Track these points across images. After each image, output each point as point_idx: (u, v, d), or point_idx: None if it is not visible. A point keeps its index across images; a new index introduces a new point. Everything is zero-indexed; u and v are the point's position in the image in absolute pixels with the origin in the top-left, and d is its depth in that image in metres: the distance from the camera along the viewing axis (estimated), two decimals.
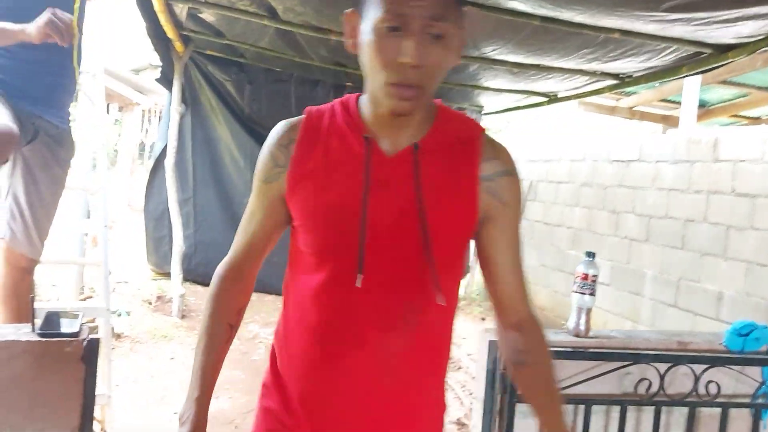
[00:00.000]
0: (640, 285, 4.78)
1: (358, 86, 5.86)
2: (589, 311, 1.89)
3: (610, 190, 5.18)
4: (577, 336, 1.89)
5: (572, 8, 3.06)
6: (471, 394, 4.01)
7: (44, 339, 1.40)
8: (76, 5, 2.09)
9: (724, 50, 3.64)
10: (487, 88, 5.42)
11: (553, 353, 1.16)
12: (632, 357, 1.82)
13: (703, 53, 3.75)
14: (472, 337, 5.49)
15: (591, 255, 1.83)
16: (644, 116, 8.17)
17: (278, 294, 4.87)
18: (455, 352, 4.93)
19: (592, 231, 5.39)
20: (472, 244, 1.14)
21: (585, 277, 1.82)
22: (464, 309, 6.60)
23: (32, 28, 1.93)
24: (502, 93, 5.62)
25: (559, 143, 6.12)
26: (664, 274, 4.56)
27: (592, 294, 1.85)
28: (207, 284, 5.05)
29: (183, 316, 4.98)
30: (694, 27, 3.19)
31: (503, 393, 1.77)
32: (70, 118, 2.31)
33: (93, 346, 1.45)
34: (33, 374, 1.40)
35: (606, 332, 1.98)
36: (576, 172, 5.65)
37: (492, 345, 1.80)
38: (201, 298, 5.68)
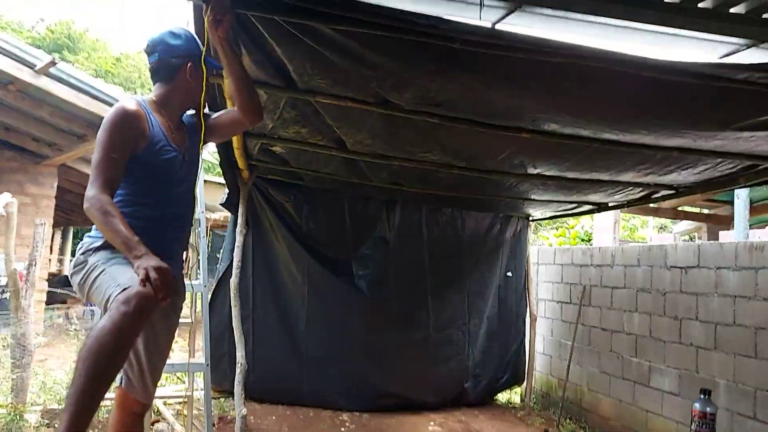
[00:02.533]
0: (714, 395, 4.65)
1: (410, 202, 6.02)
2: None
3: (669, 296, 5.15)
4: None
5: (636, 132, 3.22)
6: None
7: None
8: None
9: None
10: (537, 200, 5.56)
11: None
12: None
13: (760, 165, 3.85)
14: None
15: (706, 393, 1.84)
16: (687, 216, 8.21)
17: (335, 409, 4.88)
18: None
19: (654, 337, 5.31)
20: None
21: (703, 415, 1.82)
22: (524, 419, 6.42)
23: (138, 265, 1.97)
24: (551, 203, 5.75)
25: (610, 247, 6.15)
26: (738, 383, 4.44)
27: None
28: (265, 402, 5.14)
29: None
30: (754, 143, 3.31)
31: None
32: (184, 266, 2.48)
33: None
34: None
35: None
36: (631, 276, 5.65)
37: None
38: (260, 416, 5.64)
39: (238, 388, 5.07)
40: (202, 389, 4.27)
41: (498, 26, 2.35)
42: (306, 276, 5.92)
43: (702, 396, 1.82)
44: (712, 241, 5.80)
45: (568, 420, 6.37)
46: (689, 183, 4.39)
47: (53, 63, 6.34)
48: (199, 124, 2.45)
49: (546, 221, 7.06)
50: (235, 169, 4.75)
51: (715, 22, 2.33)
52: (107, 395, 1.94)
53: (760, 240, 4.47)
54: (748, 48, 2.45)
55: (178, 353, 6.44)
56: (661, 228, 14.91)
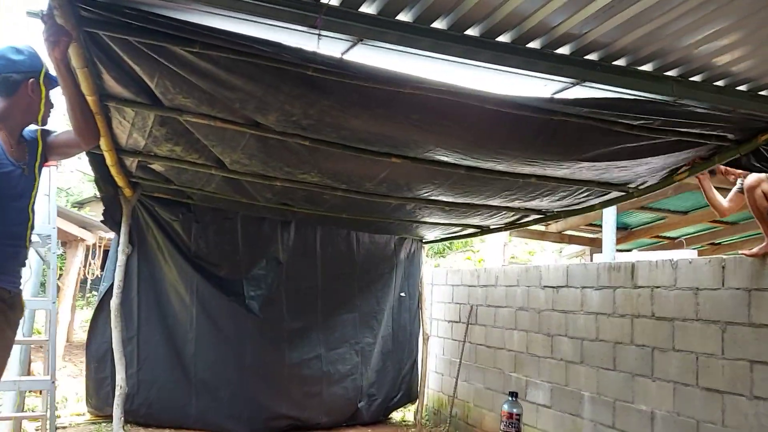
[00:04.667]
0: (580, 406, 4.95)
1: (304, 222, 6.10)
2: None
3: (544, 314, 5.46)
4: None
5: (489, 160, 3.46)
6: None
7: None
8: (36, 184, 2.32)
9: (628, 188, 4.11)
10: (425, 222, 5.79)
11: None
12: None
13: (610, 192, 4.21)
14: None
15: (514, 395, 2.02)
16: (572, 240, 8.73)
17: None
18: None
19: (531, 353, 5.60)
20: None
21: (510, 416, 1.99)
22: None
23: None
24: (438, 226, 5.99)
25: (494, 269, 6.44)
26: (600, 395, 4.76)
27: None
28: (149, 425, 5.06)
29: None
30: (596, 172, 3.63)
31: None
32: (21, 281, 2.44)
33: None
34: None
35: None
36: (512, 296, 5.95)
37: None
38: None
39: (117, 412, 4.93)
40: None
41: (346, 56, 2.50)
42: (195, 296, 5.85)
43: (510, 398, 2.00)
44: (578, 263, 6.20)
45: None
46: (555, 209, 4.72)
47: None
48: (41, 140, 2.45)
49: (452, 246, 7.33)
50: (115, 186, 4.68)
51: (544, 62, 2.57)
52: None
53: (617, 261, 4.84)
54: (574, 86, 2.72)
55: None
56: (559, 252, 15.67)
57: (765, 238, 3.65)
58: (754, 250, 3.60)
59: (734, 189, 4.07)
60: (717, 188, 4.18)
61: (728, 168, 3.88)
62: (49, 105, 2.42)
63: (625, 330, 4.56)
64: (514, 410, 1.98)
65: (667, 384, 4.18)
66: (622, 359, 4.58)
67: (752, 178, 3.66)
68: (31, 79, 2.34)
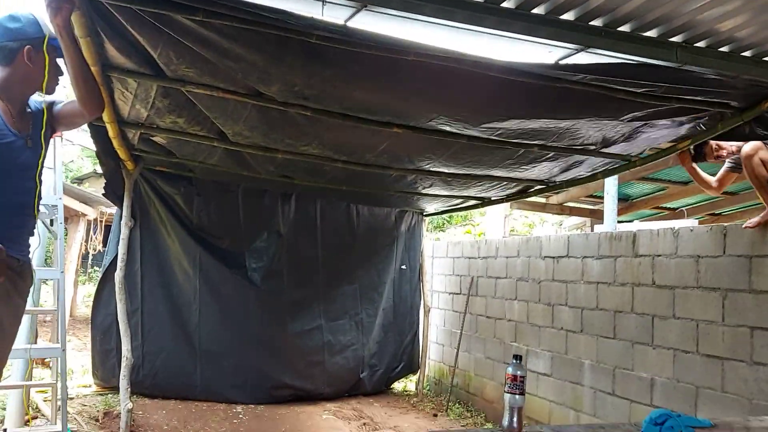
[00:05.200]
0: (580, 374, 5.02)
1: (305, 194, 6.12)
2: (520, 409, 2.08)
3: (544, 284, 5.51)
4: None
5: (495, 128, 3.45)
6: None
7: None
8: (42, 155, 2.32)
9: (630, 157, 4.11)
10: (425, 194, 5.79)
11: None
12: None
13: (613, 161, 4.21)
14: None
15: (518, 358, 2.06)
16: (573, 211, 8.74)
17: (229, 402, 4.95)
18: None
19: (531, 323, 5.66)
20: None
21: (514, 378, 2.03)
22: (416, 405, 6.66)
23: None
24: (439, 198, 6.00)
25: (494, 240, 6.47)
26: (600, 363, 4.82)
27: (522, 393, 2.06)
28: (155, 396, 5.11)
29: None
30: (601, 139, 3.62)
31: None
32: (30, 249, 2.46)
33: None
34: None
35: (537, 428, 2.17)
36: (512, 267, 5.99)
37: None
38: (149, 411, 5.56)
39: (123, 382, 4.98)
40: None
41: (350, 23, 2.49)
42: (198, 269, 5.88)
43: (514, 361, 2.03)
44: (579, 233, 6.23)
45: (457, 404, 6.66)
46: (556, 179, 4.73)
47: None
48: (47, 110, 2.43)
49: (452, 219, 7.35)
50: (117, 159, 4.68)
51: (548, 28, 2.56)
52: None
53: (618, 231, 4.87)
54: (578, 52, 2.71)
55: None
56: (559, 224, 15.71)
57: (766, 206, 3.67)
58: (755, 219, 3.61)
59: (724, 167, 4.04)
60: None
61: (719, 143, 3.86)
62: (55, 73, 2.40)
63: (626, 299, 4.61)
64: (518, 372, 2.02)
65: (666, 351, 4.23)
66: (622, 327, 4.63)
67: (749, 146, 3.65)
68: (27, 47, 2.31)
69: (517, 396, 2.07)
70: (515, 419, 2.08)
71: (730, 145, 3.89)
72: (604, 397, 4.78)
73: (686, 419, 2.23)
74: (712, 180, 4.12)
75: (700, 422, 2.25)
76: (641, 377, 4.43)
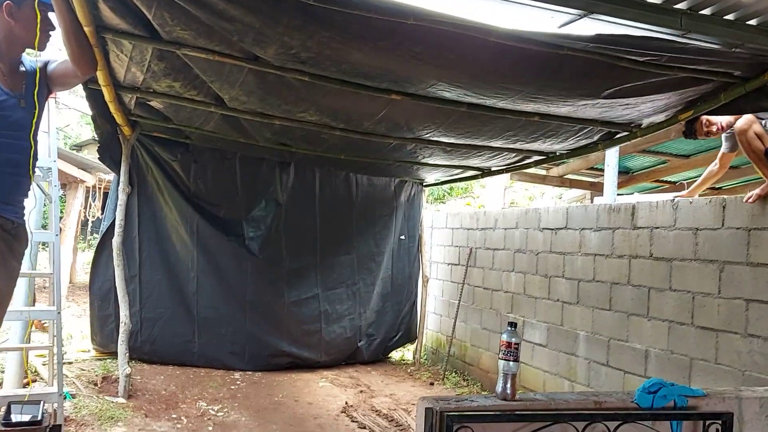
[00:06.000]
0: (574, 345, 5.05)
1: (304, 163, 6.09)
2: (514, 376, 2.09)
3: (541, 256, 5.51)
4: (505, 399, 2.07)
5: (492, 96, 3.41)
6: None
7: (9, 429, 1.49)
8: (35, 115, 2.28)
9: (632, 128, 4.07)
10: (425, 164, 5.76)
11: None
12: (552, 417, 2.02)
13: (614, 132, 4.17)
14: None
15: (513, 325, 2.05)
16: (573, 184, 8.71)
17: (227, 369, 4.99)
18: (404, 417, 5.02)
19: (528, 294, 5.68)
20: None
21: (508, 345, 2.03)
22: (413, 374, 6.72)
23: None
24: (439, 168, 5.97)
25: (493, 212, 6.46)
26: (595, 334, 4.85)
27: (516, 360, 2.06)
28: (153, 362, 5.15)
29: (129, 396, 4.92)
30: (600, 109, 3.59)
31: None
32: (25, 212, 2.44)
33: None
34: None
35: (531, 395, 2.18)
36: (510, 239, 5.98)
37: (428, 412, 1.97)
38: (147, 376, 5.61)
39: (121, 348, 5.03)
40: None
41: None
42: (195, 236, 5.88)
43: (509, 328, 2.03)
44: (578, 204, 6.21)
45: (453, 374, 6.72)
46: (557, 149, 4.69)
47: None
48: (40, 69, 2.39)
49: (452, 191, 7.32)
50: (114, 124, 4.63)
51: None
52: None
53: (617, 203, 4.85)
54: (581, 18, 2.65)
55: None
56: (559, 197, 15.68)
57: (765, 179, 3.64)
58: (756, 191, 3.59)
59: (721, 151, 4.20)
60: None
61: (709, 119, 3.87)
62: (46, 29, 2.34)
63: (623, 270, 4.61)
64: (513, 339, 2.02)
65: (662, 323, 4.25)
66: (618, 299, 4.64)
67: (742, 121, 3.64)
68: (6, 2, 2.25)
69: (511, 363, 2.07)
70: (509, 386, 2.08)
71: (720, 121, 3.88)
72: (599, 367, 4.82)
73: (679, 388, 2.24)
74: (714, 167, 4.35)
75: (693, 392, 2.26)
76: (636, 348, 4.45)
